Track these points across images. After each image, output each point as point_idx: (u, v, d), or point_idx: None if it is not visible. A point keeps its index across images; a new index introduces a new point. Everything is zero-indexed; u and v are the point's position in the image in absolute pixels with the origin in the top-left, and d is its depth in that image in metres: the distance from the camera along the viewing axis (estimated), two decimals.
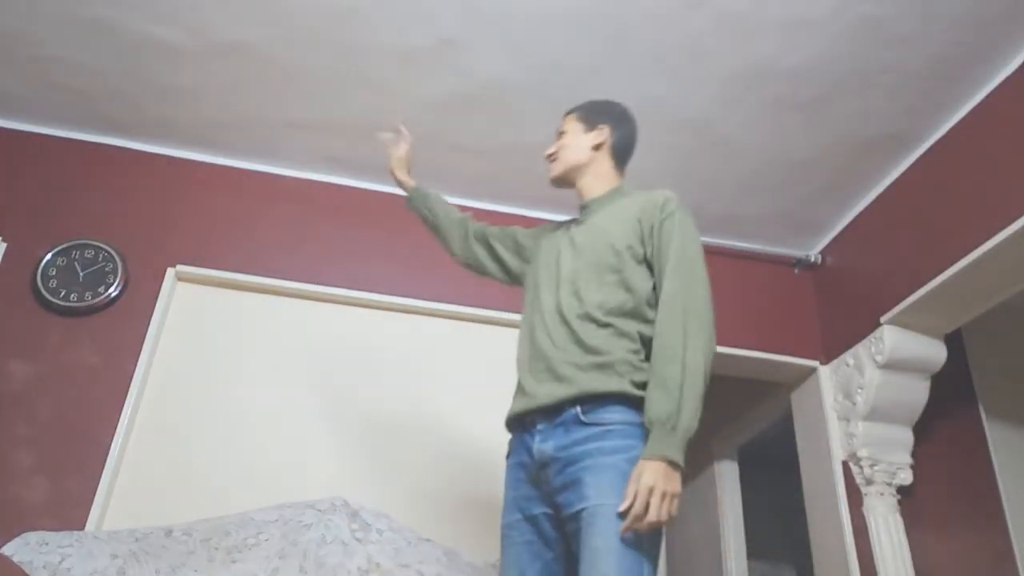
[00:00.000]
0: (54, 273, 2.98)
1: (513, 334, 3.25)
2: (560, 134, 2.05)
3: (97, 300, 2.97)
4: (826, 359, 3.49)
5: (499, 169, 3.34)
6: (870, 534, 3.08)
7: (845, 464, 3.25)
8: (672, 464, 1.55)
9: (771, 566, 4.37)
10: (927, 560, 3.07)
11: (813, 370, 3.49)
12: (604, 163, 2.01)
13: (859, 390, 3.20)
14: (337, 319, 3.18)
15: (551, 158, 2.03)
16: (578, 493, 1.59)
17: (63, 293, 2.96)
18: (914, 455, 3.21)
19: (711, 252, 3.61)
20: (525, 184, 3.41)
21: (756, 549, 4.18)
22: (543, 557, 1.70)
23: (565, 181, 2.03)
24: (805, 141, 3.09)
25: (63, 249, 3.03)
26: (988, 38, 2.60)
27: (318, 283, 3.20)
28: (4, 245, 3.02)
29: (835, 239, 3.60)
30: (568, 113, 2.08)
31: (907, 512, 3.15)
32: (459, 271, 3.35)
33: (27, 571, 2.29)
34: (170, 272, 3.10)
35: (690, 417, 1.59)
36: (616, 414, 1.64)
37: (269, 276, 3.17)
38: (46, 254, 3.01)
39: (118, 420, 2.80)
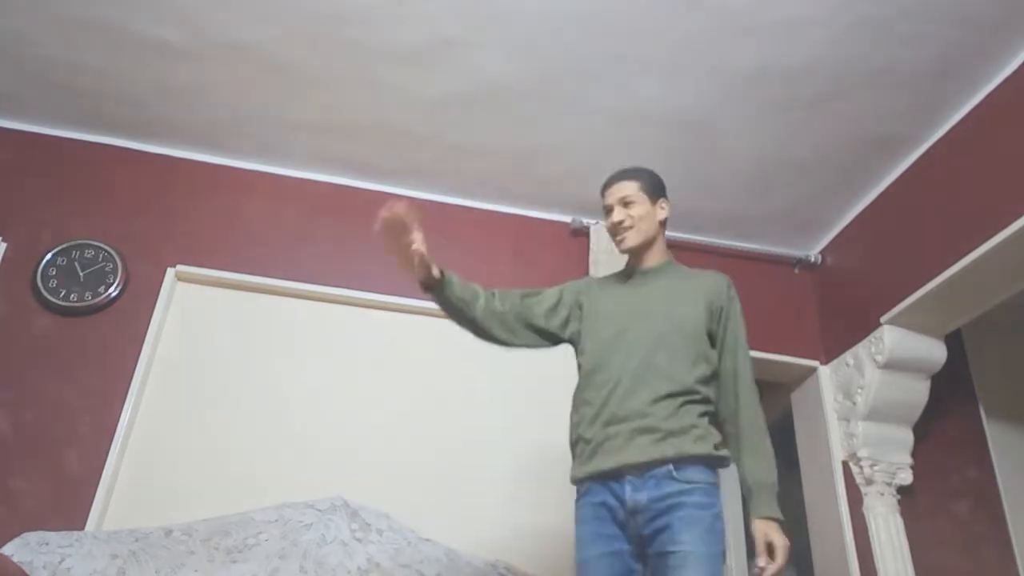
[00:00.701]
0: (54, 273, 2.98)
1: None
2: (626, 202, 2.11)
3: (97, 300, 2.97)
4: (826, 359, 3.49)
5: (499, 169, 3.34)
6: (870, 534, 3.08)
7: (845, 464, 3.25)
8: (779, 522, 1.92)
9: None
10: (927, 560, 3.07)
11: (813, 370, 3.48)
12: (663, 235, 2.18)
13: (859, 390, 3.20)
14: (337, 319, 3.17)
15: (624, 228, 2.11)
16: (671, 537, 1.82)
17: (63, 293, 2.96)
18: (914, 455, 3.21)
19: (711, 252, 3.64)
20: (525, 184, 3.41)
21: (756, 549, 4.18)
22: None
23: (637, 251, 2.14)
24: (805, 141, 3.09)
25: (63, 249, 3.03)
26: (988, 38, 2.60)
27: (318, 283, 3.19)
28: (4, 245, 3.02)
29: (835, 239, 3.60)
30: (625, 179, 2.14)
31: (907, 512, 3.14)
32: (459, 272, 3.35)
33: (27, 571, 2.29)
34: (170, 272, 3.10)
35: (776, 482, 1.97)
36: (701, 474, 1.89)
37: (269, 276, 3.16)
38: (46, 254, 3.01)
39: (118, 420, 2.80)
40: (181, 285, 3.12)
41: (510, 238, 3.49)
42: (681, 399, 1.92)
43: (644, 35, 2.68)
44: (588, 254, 3.41)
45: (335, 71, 2.91)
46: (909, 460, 3.20)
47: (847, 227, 3.51)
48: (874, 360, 3.15)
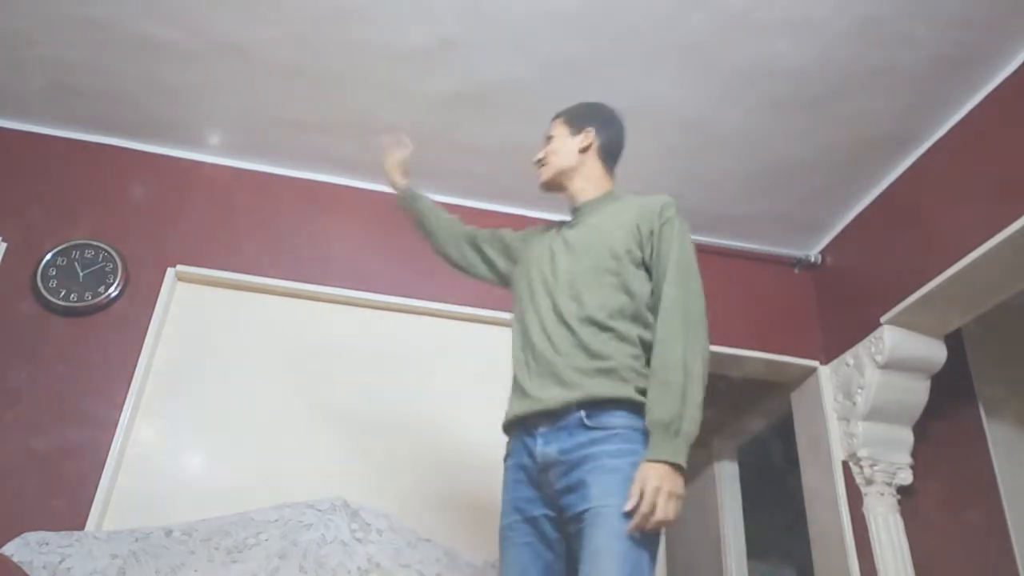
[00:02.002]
0: (54, 273, 2.98)
1: (510, 334, 3.29)
2: (548, 139, 2.06)
3: (97, 300, 2.97)
4: (826, 359, 3.49)
5: (499, 169, 3.34)
6: (870, 534, 3.08)
7: (845, 464, 3.25)
8: (675, 467, 1.59)
9: (771, 566, 4.36)
10: (927, 560, 3.07)
11: (813, 370, 3.48)
12: (593, 166, 2.02)
13: (859, 390, 3.20)
14: (337, 319, 3.17)
15: (540, 163, 2.04)
16: (581, 495, 1.61)
17: (63, 293, 2.95)
18: (914, 455, 3.21)
19: (711, 252, 3.64)
20: (525, 184, 3.38)
21: (756, 549, 4.18)
22: (544, 558, 1.71)
23: (555, 186, 2.04)
24: (805, 141, 3.09)
25: (63, 249, 3.03)
26: (988, 38, 2.60)
27: (318, 283, 3.19)
28: (4, 245, 3.02)
29: (835, 239, 3.59)
30: (555, 117, 2.09)
31: (907, 512, 3.15)
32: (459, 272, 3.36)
33: (27, 571, 2.30)
34: (170, 272, 3.10)
35: (692, 421, 1.63)
36: (619, 419, 1.67)
37: (269, 276, 3.16)
38: (46, 254, 3.01)
39: (118, 420, 2.80)
40: (181, 285, 3.12)
41: None
42: (596, 339, 1.72)
43: (644, 35, 2.68)
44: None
45: (335, 71, 2.91)
46: (909, 460, 3.20)
47: (847, 227, 3.51)
48: (874, 360, 3.15)
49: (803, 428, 3.54)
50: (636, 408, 1.68)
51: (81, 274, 3.00)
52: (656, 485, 1.55)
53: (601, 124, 2.03)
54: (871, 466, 3.14)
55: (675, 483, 1.58)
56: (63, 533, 2.48)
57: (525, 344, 1.86)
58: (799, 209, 3.47)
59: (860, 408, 3.18)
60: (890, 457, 3.17)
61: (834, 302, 3.54)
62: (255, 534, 2.57)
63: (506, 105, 3.01)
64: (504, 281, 2.18)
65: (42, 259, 2.99)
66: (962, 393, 3.23)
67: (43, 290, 2.94)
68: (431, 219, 2.27)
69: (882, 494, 3.13)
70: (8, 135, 3.25)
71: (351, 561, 2.53)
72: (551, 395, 1.72)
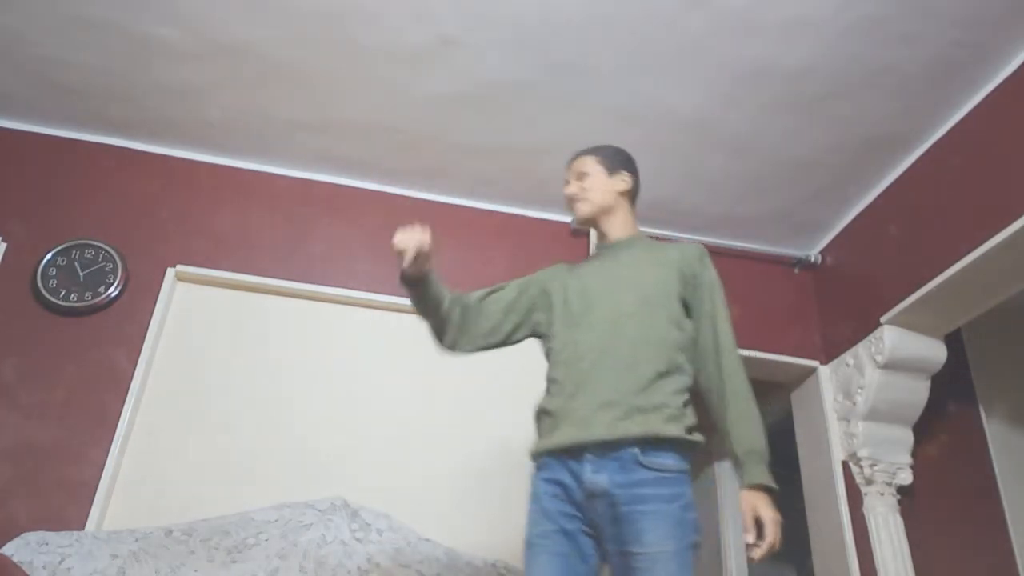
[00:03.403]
0: (54, 273, 2.98)
1: None
2: (580, 175, 2.10)
3: (97, 300, 2.97)
4: (826, 359, 3.49)
5: (499, 169, 3.34)
6: (870, 534, 3.08)
7: (845, 464, 3.25)
8: (770, 491, 1.76)
9: (771, 566, 4.36)
10: (927, 560, 3.07)
11: (813, 370, 3.48)
12: (626, 208, 2.12)
13: (859, 390, 3.19)
14: (337, 319, 3.17)
15: (577, 198, 2.09)
16: (636, 535, 1.68)
17: (63, 293, 2.96)
18: (914, 455, 3.21)
19: (711, 252, 3.59)
20: (525, 184, 3.41)
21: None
22: (576, 571, 1.75)
23: (591, 221, 2.12)
24: (805, 141, 3.09)
25: (63, 249, 3.03)
26: (988, 38, 2.60)
27: (317, 283, 3.19)
28: (4, 245, 3.02)
29: (835, 239, 3.59)
30: (584, 155, 2.13)
31: (907, 512, 3.14)
32: (458, 272, 3.36)
33: (27, 571, 2.29)
34: (170, 272, 3.10)
35: (767, 449, 1.81)
36: (671, 460, 1.75)
37: (269, 276, 3.16)
38: (46, 254, 3.01)
39: (118, 420, 2.80)
40: (181, 285, 3.12)
41: (510, 238, 3.48)
42: (651, 372, 1.80)
43: (645, 35, 2.68)
44: (588, 254, 3.41)
45: (335, 71, 2.91)
46: (909, 460, 3.19)
47: (847, 227, 3.51)
48: (874, 360, 3.15)
49: (803, 428, 3.54)
50: (683, 448, 1.77)
51: (81, 274, 3.00)
52: (772, 515, 1.72)
53: (633, 171, 2.14)
54: (871, 466, 3.14)
55: (774, 510, 1.74)
56: (63, 533, 2.48)
57: (570, 375, 1.87)
58: (799, 209, 3.47)
59: (860, 408, 3.18)
60: (890, 457, 3.16)
61: (834, 302, 3.54)
62: (255, 534, 2.57)
63: (506, 105, 3.01)
64: (535, 333, 2.12)
65: (42, 259, 3.00)
66: (962, 393, 3.23)
67: (43, 290, 2.94)
68: (444, 309, 2.04)
69: (882, 494, 3.13)
70: (8, 135, 3.25)
71: (351, 561, 2.53)
72: (607, 427, 1.76)
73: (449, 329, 2.03)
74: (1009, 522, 3.01)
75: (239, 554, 2.52)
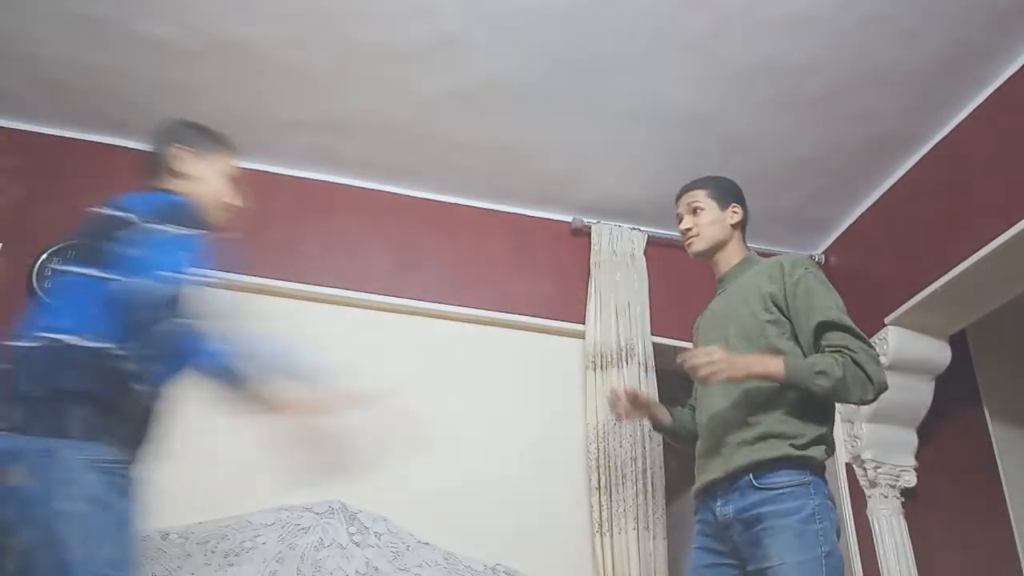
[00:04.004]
0: (49, 274, 2.95)
1: (512, 335, 3.27)
2: (694, 210, 2.14)
3: None
4: None
5: (499, 168, 3.32)
6: (874, 536, 3.06)
7: (849, 466, 3.23)
8: (769, 372, 1.82)
9: None
10: (931, 562, 3.05)
11: None
12: (737, 238, 2.17)
13: None
14: (336, 319, 3.15)
15: (691, 233, 2.14)
16: (762, 553, 1.78)
17: None
18: (918, 457, 3.19)
19: None
20: (525, 183, 3.38)
21: None
22: None
23: (706, 255, 2.16)
24: (808, 139, 3.07)
25: (59, 249, 3.00)
26: (993, 35, 2.59)
27: (317, 283, 3.17)
28: (0, 244, 2.99)
29: (839, 239, 3.57)
30: (695, 188, 2.18)
31: (911, 514, 3.12)
32: (458, 272, 3.34)
33: None
34: None
35: (804, 379, 1.81)
36: (784, 477, 1.82)
37: (266, 276, 3.14)
38: (42, 254, 2.98)
39: None
40: None
41: (510, 238, 3.46)
42: (750, 403, 1.89)
43: (645, 33, 2.66)
44: (589, 254, 3.39)
45: (334, 69, 2.89)
46: (913, 462, 3.17)
47: (851, 227, 3.49)
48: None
49: None
50: (795, 464, 1.83)
51: None
52: (743, 361, 1.82)
53: (743, 201, 2.19)
54: (875, 468, 3.12)
55: (758, 366, 1.83)
56: None
57: (704, 417, 2.00)
58: (802, 208, 3.45)
59: (864, 410, 3.15)
60: (894, 459, 3.14)
61: None
62: (252, 537, 2.56)
63: (506, 103, 2.99)
64: None
65: (38, 259, 2.97)
66: (967, 394, 3.22)
67: (39, 291, 2.92)
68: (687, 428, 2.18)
69: (886, 496, 3.11)
70: (5, 134, 3.23)
71: (349, 565, 2.52)
72: (719, 465, 1.90)
73: (687, 440, 2.15)
74: (1014, 524, 2.99)
75: (236, 557, 2.51)
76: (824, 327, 1.92)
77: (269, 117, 3.14)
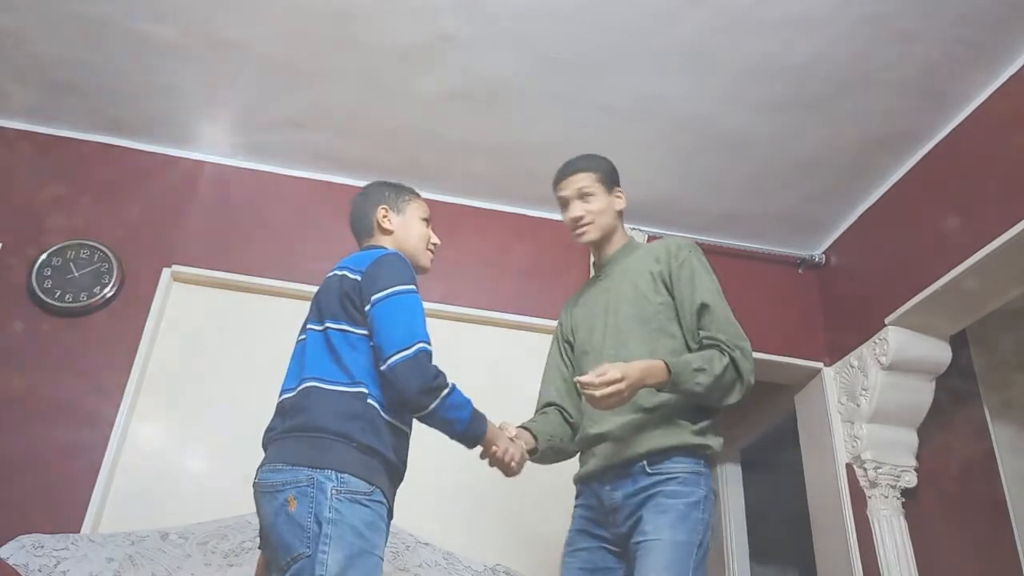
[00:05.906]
0: (49, 273, 2.96)
1: (511, 335, 3.27)
2: (583, 195, 2.05)
3: (92, 300, 2.94)
4: (830, 360, 3.46)
5: (499, 168, 3.32)
6: (874, 537, 3.06)
7: (849, 466, 3.23)
8: (659, 381, 1.79)
9: (774, 569, 4.34)
10: (931, 563, 3.04)
11: (817, 371, 3.46)
12: (620, 223, 2.13)
13: (863, 392, 3.17)
14: None
15: (583, 223, 2.06)
16: (640, 527, 1.79)
17: (58, 293, 2.93)
18: (918, 457, 3.19)
19: (714, 252, 3.58)
20: (525, 183, 3.38)
21: (759, 552, 4.15)
22: None
23: (597, 244, 2.12)
24: (808, 140, 3.06)
25: (58, 249, 3.01)
26: (993, 36, 2.58)
27: (316, 283, 3.15)
28: None
29: (839, 239, 3.57)
30: (581, 171, 2.08)
31: (911, 515, 3.12)
32: (458, 272, 3.34)
33: (22, 574, 2.27)
34: (166, 272, 3.07)
35: (685, 381, 1.80)
36: (678, 464, 1.83)
37: (266, 276, 3.14)
38: (41, 254, 2.98)
39: (113, 421, 2.78)
40: (177, 285, 3.10)
41: (510, 238, 3.46)
42: (644, 390, 1.83)
43: (646, 33, 2.66)
44: (589, 254, 3.38)
45: (334, 69, 2.89)
46: (914, 463, 3.17)
47: (851, 227, 3.49)
48: (878, 361, 3.12)
49: (807, 430, 3.51)
50: (690, 452, 1.84)
51: (76, 274, 2.97)
52: (622, 374, 1.74)
53: (619, 185, 2.12)
54: (875, 468, 3.11)
55: (651, 382, 1.78)
56: (58, 536, 2.46)
57: (588, 406, 1.94)
58: (803, 209, 3.44)
59: (864, 410, 3.16)
60: (894, 459, 3.14)
61: (838, 303, 3.52)
62: (252, 538, 2.54)
63: (506, 103, 2.99)
64: None
65: (37, 259, 2.97)
66: (967, 395, 3.21)
67: (38, 290, 2.92)
68: (562, 439, 2.11)
69: (886, 497, 3.11)
70: (2, 133, 3.23)
71: None
72: (617, 452, 1.88)
73: (571, 446, 2.10)
74: (1015, 525, 2.98)
75: (236, 557, 2.50)
76: (705, 308, 1.91)
77: (267, 117, 3.14)
